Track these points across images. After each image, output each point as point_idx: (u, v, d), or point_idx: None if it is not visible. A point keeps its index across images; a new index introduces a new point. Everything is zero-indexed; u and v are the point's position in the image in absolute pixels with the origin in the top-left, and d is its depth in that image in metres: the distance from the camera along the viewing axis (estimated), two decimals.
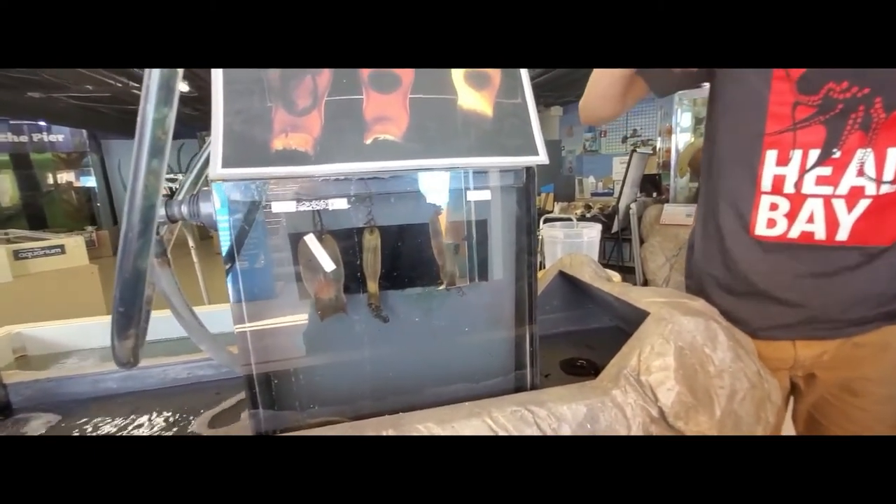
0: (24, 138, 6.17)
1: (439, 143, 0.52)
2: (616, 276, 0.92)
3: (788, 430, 0.88)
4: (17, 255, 2.85)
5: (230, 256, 0.48)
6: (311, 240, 0.51)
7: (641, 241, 3.41)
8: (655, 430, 0.52)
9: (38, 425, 0.65)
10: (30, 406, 0.70)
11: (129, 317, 0.34)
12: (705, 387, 0.52)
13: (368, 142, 0.50)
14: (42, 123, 6.12)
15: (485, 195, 0.56)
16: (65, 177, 6.93)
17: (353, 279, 0.54)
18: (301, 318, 0.55)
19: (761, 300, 0.74)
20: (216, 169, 0.45)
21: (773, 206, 0.70)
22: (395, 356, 0.59)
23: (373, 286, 0.55)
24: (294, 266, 0.53)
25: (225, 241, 0.47)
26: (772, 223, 0.71)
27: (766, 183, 0.69)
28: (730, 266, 0.76)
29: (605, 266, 0.96)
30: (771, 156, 0.68)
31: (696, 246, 0.85)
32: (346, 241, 0.53)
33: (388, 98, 0.52)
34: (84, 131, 6.62)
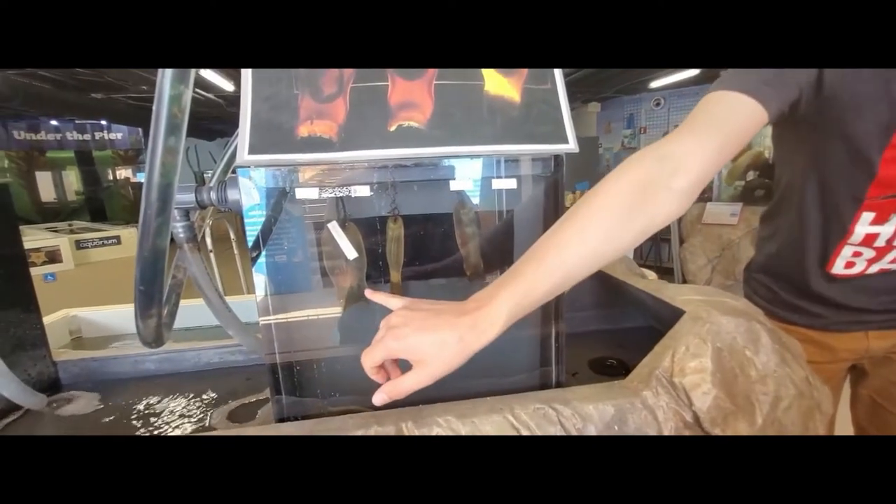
0: (87, 136, 6.63)
1: (464, 130, 0.51)
2: (651, 275, 0.87)
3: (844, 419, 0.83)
4: (78, 245, 3.07)
5: (255, 242, 0.49)
6: (334, 227, 0.51)
7: (681, 241, 3.27)
8: None
9: (83, 403, 0.69)
10: (76, 383, 0.75)
11: (150, 296, 0.35)
12: (746, 392, 0.49)
13: (392, 129, 0.49)
14: (103, 123, 6.55)
15: (511, 184, 0.54)
16: (122, 173, 7.40)
17: (375, 268, 0.54)
18: (325, 308, 0.56)
19: (836, 308, 0.72)
20: (243, 155, 0.46)
21: (857, 254, 0.67)
22: None
23: (395, 276, 0.55)
24: (319, 255, 0.53)
25: (250, 227, 0.48)
26: (850, 265, 0.68)
27: (857, 238, 0.66)
28: (802, 290, 0.74)
29: (642, 266, 0.92)
30: (867, 216, 0.64)
31: (761, 257, 0.81)
32: (370, 230, 0.53)
33: (413, 84, 0.51)
34: (140, 129, 7.03)
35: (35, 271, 2.81)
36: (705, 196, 3.37)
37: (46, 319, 0.86)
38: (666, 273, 3.43)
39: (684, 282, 3.16)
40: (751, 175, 3.14)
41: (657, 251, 3.72)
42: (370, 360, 0.44)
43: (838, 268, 0.69)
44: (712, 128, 0.51)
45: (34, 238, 2.93)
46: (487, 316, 0.42)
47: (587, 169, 4.72)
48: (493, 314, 0.42)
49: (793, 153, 0.72)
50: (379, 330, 0.45)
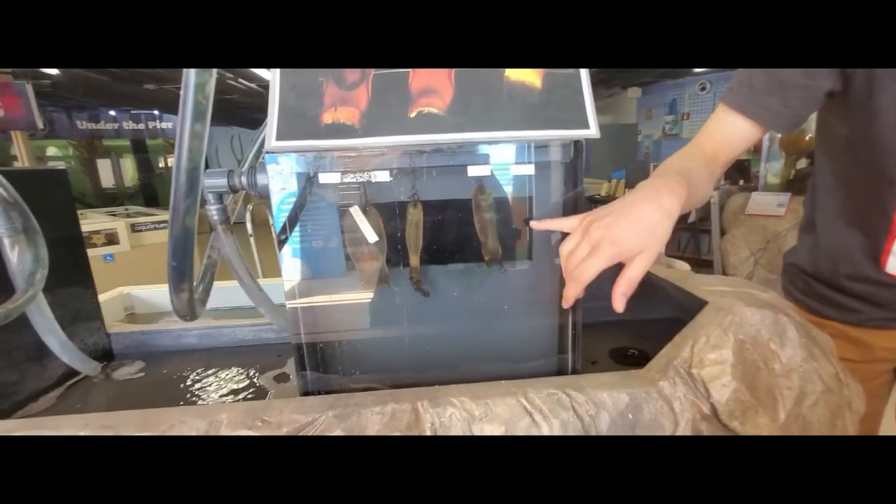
0: (141, 126, 7.02)
1: (484, 116, 0.51)
2: (684, 266, 0.85)
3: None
4: (133, 228, 3.28)
5: (282, 226, 0.52)
6: (355, 212, 0.53)
7: (722, 233, 3.12)
8: (706, 429, 0.48)
9: (131, 370, 0.76)
10: (127, 353, 0.81)
11: (182, 271, 0.38)
12: (768, 386, 0.47)
13: (413, 115, 0.50)
14: (155, 112, 6.91)
15: (529, 170, 0.54)
16: (173, 160, 7.81)
17: (395, 252, 0.56)
18: (347, 291, 0.58)
19: (875, 305, 0.67)
20: (271, 142, 0.48)
21: None
22: (434, 330, 0.60)
23: (414, 260, 0.56)
24: (341, 239, 0.55)
25: (275, 208, 0.51)
26: None
27: None
28: (840, 283, 0.69)
29: (681, 258, 0.90)
30: None
31: (800, 243, 0.77)
32: (390, 215, 0.55)
33: (433, 71, 0.52)
34: None
35: (96, 252, 3.03)
36: (751, 186, 3.18)
37: (103, 297, 0.93)
38: (705, 265, 3.29)
39: (725, 275, 3.02)
40: (802, 163, 2.94)
41: (696, 242, 3.56)
42: (590, 273, 0.45)
43: (892, 267, 0.63)
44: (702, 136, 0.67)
45: (95, 221, 3.16)
46: (670, 181, 0.48)
47: (624, 157, 4.55)
48: (673, 182, 0.48)
49: (832, 133, 0.68)
50: (575, 250, 0.47)
